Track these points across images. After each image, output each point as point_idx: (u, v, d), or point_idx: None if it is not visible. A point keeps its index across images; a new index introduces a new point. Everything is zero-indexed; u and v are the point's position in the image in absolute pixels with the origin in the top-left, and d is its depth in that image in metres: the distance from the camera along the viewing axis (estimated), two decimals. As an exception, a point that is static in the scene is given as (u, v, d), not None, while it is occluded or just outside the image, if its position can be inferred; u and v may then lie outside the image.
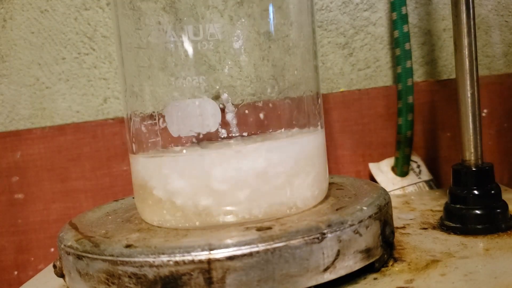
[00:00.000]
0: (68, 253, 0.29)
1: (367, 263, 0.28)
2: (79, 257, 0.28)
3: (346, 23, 0.51)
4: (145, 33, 0.31)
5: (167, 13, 0.30)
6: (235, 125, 0.30)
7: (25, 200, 0.51)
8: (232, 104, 0.30)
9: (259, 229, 0.26)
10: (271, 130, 0.32)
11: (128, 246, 0.26)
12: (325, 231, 0.27)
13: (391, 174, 0.50)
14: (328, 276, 0.27)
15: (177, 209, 0.29)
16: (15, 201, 0.51)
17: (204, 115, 0.30)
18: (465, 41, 0.36)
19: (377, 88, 0.51)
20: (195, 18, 0.30)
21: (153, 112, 0.31)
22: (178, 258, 0.25)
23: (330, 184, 0.37)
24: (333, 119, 0.51)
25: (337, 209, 0.29)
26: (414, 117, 0.49)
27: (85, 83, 0.51)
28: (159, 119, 0.31)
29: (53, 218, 0.51)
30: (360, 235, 0.28)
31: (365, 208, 0.29)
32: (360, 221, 0.28)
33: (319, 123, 0.33)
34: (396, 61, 0.49)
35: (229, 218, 0.28)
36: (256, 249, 0.25)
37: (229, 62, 0.30)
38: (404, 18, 0.48)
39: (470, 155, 0.36)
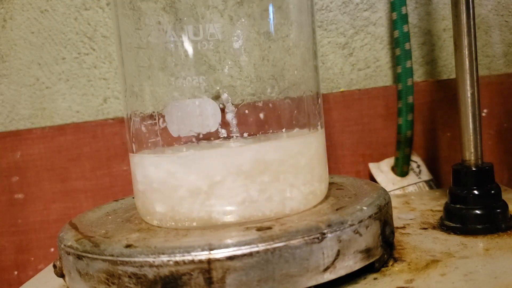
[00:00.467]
0: (68, 253, 0.29)
1: (367, 263, 0.28)
2: (79, 257, 0.28)
3: (346, 23, 0.51)
4: (145, 33, 0.31)
5: (167, 13, 0.30)
6: (235, 125, 0.30)
7: (25, 200, 0.51)
8: (232, 104, 0.30)
9: (259, 229, 0.26)
10: (271, 130, 0.32)
11: (128, 246, 0.26)
12: (325, 231, 0.27)
13: (391, 174, 0.50)
14: (328, 276, 0.27)
15: (177, 209, 0.29)
16: (15, 201, 0.51)
17: (204, 115, 0.30)
18: (465, 41, 0.36)
19: (377, 88, 0.51)
20: (195, 18, 0.30)
21: (153, 112, 0.31)
22: (178, 258, 0.25)
23: (330, 184, 0.37)
24: (333, 119, 0.51)
25: (337, 209, 0.29)
26: (414, 117, 0.49)
27: (85, 83, 0.51)
28: (159, 119, 0.31)
29: (53, 218, 0.51)
30: (360, 235, 0.28)
31: (365, 208, 0.29)
32: (360, 221, 0.28)
33: (319, 123, 0.33)
34: (396, 61, 0.49)
35: (229, 218, 0.28)
36: (256, 249, 0.25)
37: (229, 62, 0.30)
38: (404, 18, 0.48)
39: (470, 155, 0.36)
